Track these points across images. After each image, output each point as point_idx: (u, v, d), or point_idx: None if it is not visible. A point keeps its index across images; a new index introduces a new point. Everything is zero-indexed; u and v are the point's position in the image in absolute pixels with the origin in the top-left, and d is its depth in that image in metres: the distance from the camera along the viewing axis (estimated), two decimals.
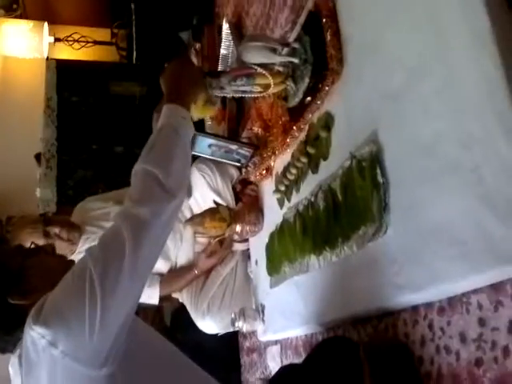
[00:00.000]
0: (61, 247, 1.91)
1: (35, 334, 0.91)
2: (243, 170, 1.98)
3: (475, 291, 0.86)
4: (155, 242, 1.00)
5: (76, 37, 4.71)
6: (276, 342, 1.87)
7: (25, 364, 0.96)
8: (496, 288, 0.82)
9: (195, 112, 1.30)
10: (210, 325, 2.11)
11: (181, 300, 2.25)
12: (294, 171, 1.54)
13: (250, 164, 1.78)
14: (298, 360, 1.64)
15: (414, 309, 1.03)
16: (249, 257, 2.10)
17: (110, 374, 0.93)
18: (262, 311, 1.84)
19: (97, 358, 0.92)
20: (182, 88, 1.18)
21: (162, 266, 2.18)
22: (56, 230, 2.03)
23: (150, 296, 2.15)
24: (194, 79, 1.23)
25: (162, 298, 2.20)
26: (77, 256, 2.00)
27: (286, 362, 1.78)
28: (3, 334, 1.06)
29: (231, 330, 2.05)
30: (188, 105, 1.17)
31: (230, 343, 2.37)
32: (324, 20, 1.30)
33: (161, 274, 2.19)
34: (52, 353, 0.89)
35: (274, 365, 1.89)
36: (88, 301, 0.89)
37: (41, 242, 1.81)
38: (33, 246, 1.21)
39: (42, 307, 0.93)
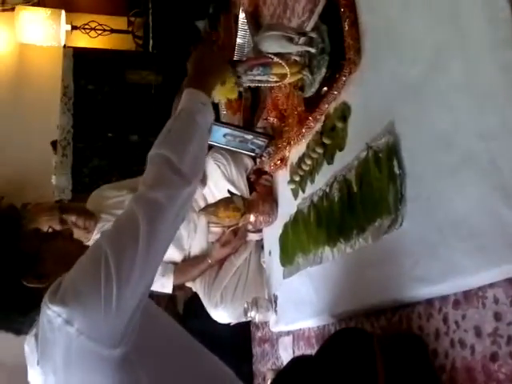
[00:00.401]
0: (76, 235, 1.92)
1: (51, 313, 0.92)
2: (258, 160, 1.98)
3: (491, 285, 0.85)
4: (168, 226, 1.01)
5: (93, 25, 4.72)
6: (288, 333, 1.87)
7: (41, 343, 0.98)
8: None
9: (221, 93, 1.30)
10: (222, 314, 2.12)
11: (194, 289, 2.26)
12: (309, 162, 1.53)
13: (264, 154, 1.77)
14: (310, 351, 1.64)
15: (429, 302, 1.02)
16: (262, 247, 2.10)
17: (123, 353, 0.93)
18: (275, 302, 1.84)
19: (112, 337, 0.93)
20: (204, 73, 1.19)
21: (175, 255, 2.19)
22: (73, 218, 2.05)
23: (164, 285, 2.16)
24: (217, 65, 1.24)
25: (175, 287, 2.22)
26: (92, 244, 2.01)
27: (298, 353, 1.78)
28: (18, 316, 1.08)
29: (244, 319, 2.05)
30: (209, 91, 1.17)
31: (242, 333, 2.37)
32: (342, 9, 1.28)
33: (174, 263, 2.21)
34: (68, 331, 0.90)
35: (286, 355, 1.89)
36: (103, 284, 0.90)
37: (57, 228, 1.82)
38: (50, 230, 1.22)
39: (58, 287, 0.94)
